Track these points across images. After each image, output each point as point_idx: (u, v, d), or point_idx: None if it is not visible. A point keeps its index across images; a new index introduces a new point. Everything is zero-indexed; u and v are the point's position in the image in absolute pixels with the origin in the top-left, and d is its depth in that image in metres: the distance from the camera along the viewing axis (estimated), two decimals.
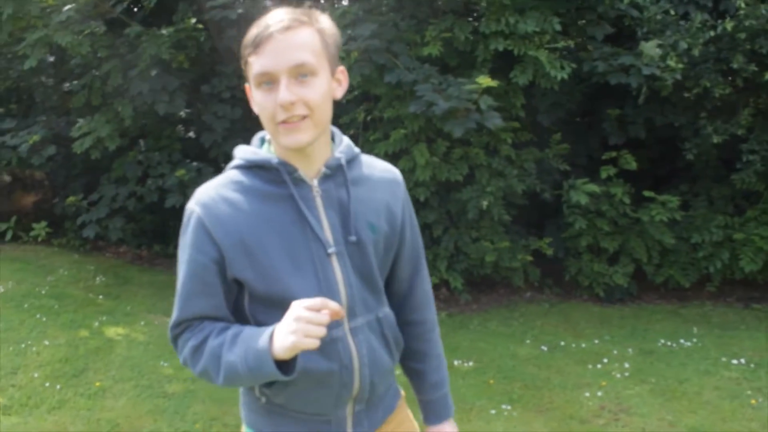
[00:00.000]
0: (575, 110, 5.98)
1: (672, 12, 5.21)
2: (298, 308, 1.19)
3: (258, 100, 1.28)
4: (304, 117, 1.26)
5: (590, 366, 4.35)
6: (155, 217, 6.83)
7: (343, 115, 5.75)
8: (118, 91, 6.25)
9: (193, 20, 5.90)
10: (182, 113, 6.50)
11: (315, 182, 1.34)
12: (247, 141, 5.89)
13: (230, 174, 1.36)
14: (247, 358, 1.24)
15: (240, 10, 5.58)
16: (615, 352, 4.61)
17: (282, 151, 1.34)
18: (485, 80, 4.35)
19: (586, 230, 5.64)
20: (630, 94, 5.47)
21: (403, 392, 1.61)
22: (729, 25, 5.05)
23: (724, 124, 5.53)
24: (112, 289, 5.81)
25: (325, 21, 1.30)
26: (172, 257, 6.90)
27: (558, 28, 4.90)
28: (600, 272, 5.82)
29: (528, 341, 4.83)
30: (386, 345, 1.44)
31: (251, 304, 1.35)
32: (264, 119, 1.28)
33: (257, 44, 1.24)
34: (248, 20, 5.68)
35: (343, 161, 1.37)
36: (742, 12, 5.05)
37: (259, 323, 1.33)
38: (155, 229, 6.97)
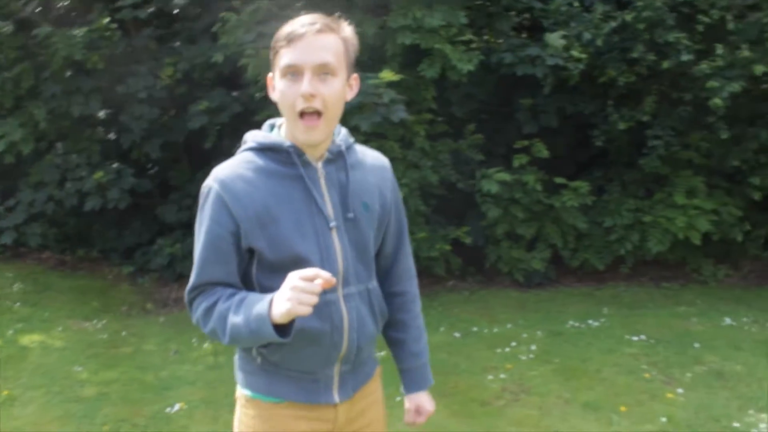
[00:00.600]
0: (491, 101, 6.12)
1: (576, 4, 5.37)
2: (294, 278, 1.34)
3: (280, 87, 1.45)
4: (319, 115, 1.44)
5: (499, 350, 4.50)
6: (78, 221, 6.73)
7: (261, 111, 5.77)
8: (31, 94, 6.13)
9: (107, 20, 5.83)
10: (101, 114, 6.42)
11: (319, 165, 1.53)
12: (168, 141, 5.86)
13: (244, 155, 1.54)
14: (249, 322, 1.41)
15: (151, 9, 5.53)
16: (524, 335, 4.77)
17: (292, 136, 1.51)
18: (388, 74, 4.44)
19: (502, 218, 5.79)
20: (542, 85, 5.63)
21: (379, 365, 1.75)
22: (629, 16, 5.25)
23: (630, 111, 5.74)
24: (30, 296, 5.72)
25: (348, 30, 1.50)
26: (96, 261, 6.83)
27: (464, 21, 5.02)
28: (518, 258, 5.99)
29: (443, 329, 4.95)
30: (373, 314, 1.62)
31: (258, 270, 1.52)
32: (284, 107, 1.47)
33: (291, 39, 1.42)
34: (163, 18, 5.58)
35: (343, 148, 1.56)
36: (640, 3, 5.24)
37: (264, 288, 1.50)
38: (79, 234, 6.86)
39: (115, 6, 5.88)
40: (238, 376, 1.66)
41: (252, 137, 1.55)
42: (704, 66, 5.14)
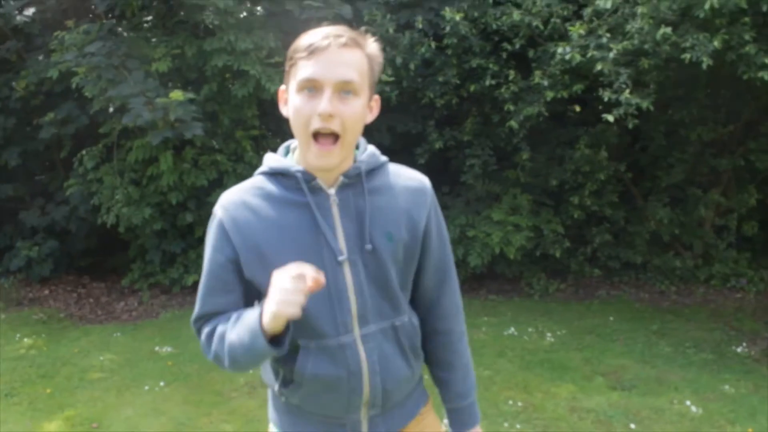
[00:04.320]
0: None
1: (391, 30, 5.72)
2: (278, 279, 1.25)
3: (295, 103, 1.32)
4: (336, 138, 1.31)
5: None
6: None
7: (105, 123, 6.15)
8: None
9: None
10: None
11: (332, 191, 1.39)
12: (28, 149, 6.27)
13: (255, 180, 1.43)
14: (242, 336, 1.31)
15: None
16: None
17: (303, 160, 1.39)
18: (177, 95, 4.80)
19: None
20: None
21: (430, 397, 1.65)
22: (433, 43, 5.60)
23: (452, 131, 6.07)
24: None
25: (374, 47, 1.38)
26: None
27: (272, 44, 5.37)
28: None
29: None
30: (402, 353, 1.47)
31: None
32: (297, 124, 1.33)
33: (312, 51, 1.29)
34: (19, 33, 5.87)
35: (363, 170, 1.41)
36: (446, 31, 5.59)
37: None
38: None
39: None
40: (270, 413, 1.60)
41: (266, 160, 1.44)
42: (503, 90, 5.46)
